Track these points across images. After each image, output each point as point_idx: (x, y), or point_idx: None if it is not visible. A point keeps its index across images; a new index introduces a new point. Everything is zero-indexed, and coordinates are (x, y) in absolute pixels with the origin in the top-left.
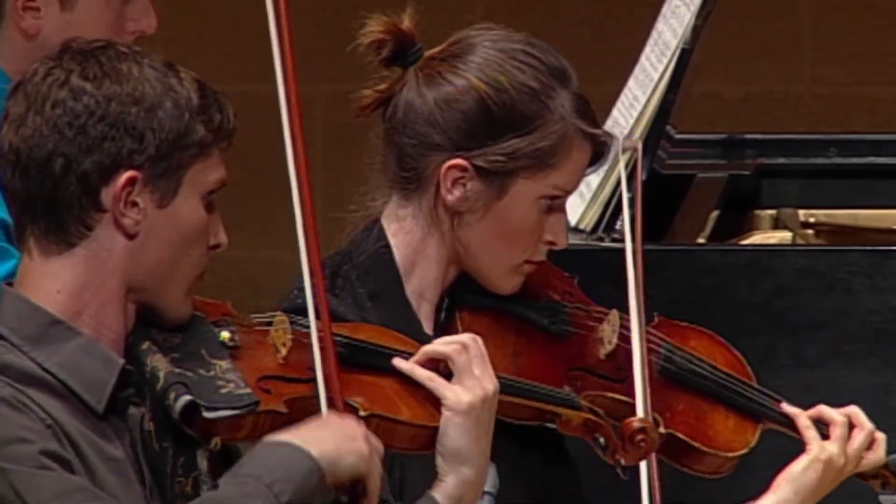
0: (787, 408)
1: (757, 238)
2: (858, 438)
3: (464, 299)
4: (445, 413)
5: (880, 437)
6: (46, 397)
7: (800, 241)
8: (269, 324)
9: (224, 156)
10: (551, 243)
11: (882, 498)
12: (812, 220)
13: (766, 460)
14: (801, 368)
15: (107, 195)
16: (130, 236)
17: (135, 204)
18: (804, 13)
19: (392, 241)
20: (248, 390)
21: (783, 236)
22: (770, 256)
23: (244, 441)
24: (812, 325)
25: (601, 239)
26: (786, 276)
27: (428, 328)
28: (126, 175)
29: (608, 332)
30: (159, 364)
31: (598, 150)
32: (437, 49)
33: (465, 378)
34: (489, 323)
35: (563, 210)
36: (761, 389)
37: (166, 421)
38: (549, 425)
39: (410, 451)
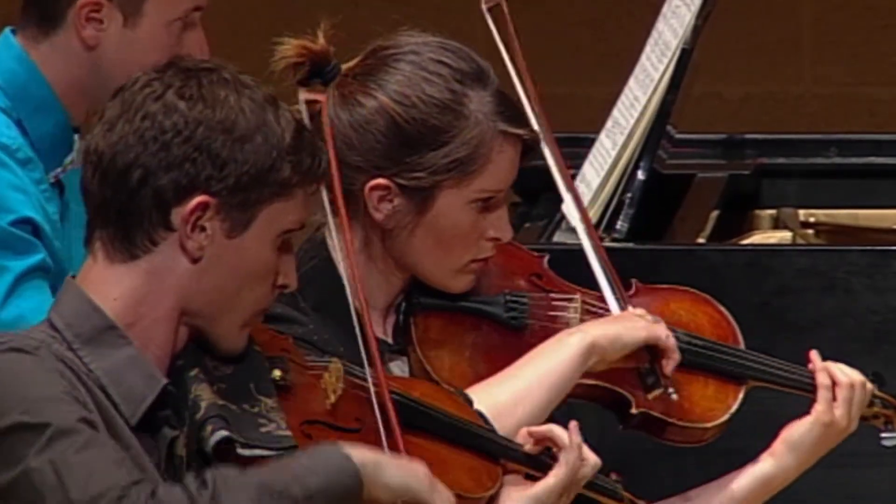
0: (815, 359)
1: (757, 238)
2: (858, 394)
3: (418, 302)
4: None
5: (858, 377)
6: (80, 388)
7: (800, 241)
8: (324, 367)
9: (310, 198)
10: (495, 239)
11: (885, 440)
12: (812, 220)
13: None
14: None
15: (177, 215)
16: (193, 260)
17: (203, 229)
18: (804, 13)
19: (333, 255)
20: (287, 433)
21: (783, 236)
22: (770, 256)
23: None
24: (812, 325)
25: (601, 239)
26: (786, 276)
27: (380, 332)
28: (199, 199)
29: (571, 317)
30: (203, 394)
31: (525, 148)
32: (353, 63)
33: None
34: (444, 324)
35: (501, 206)
36: (743, 350)
37: (199, 451)
38: None
39: None
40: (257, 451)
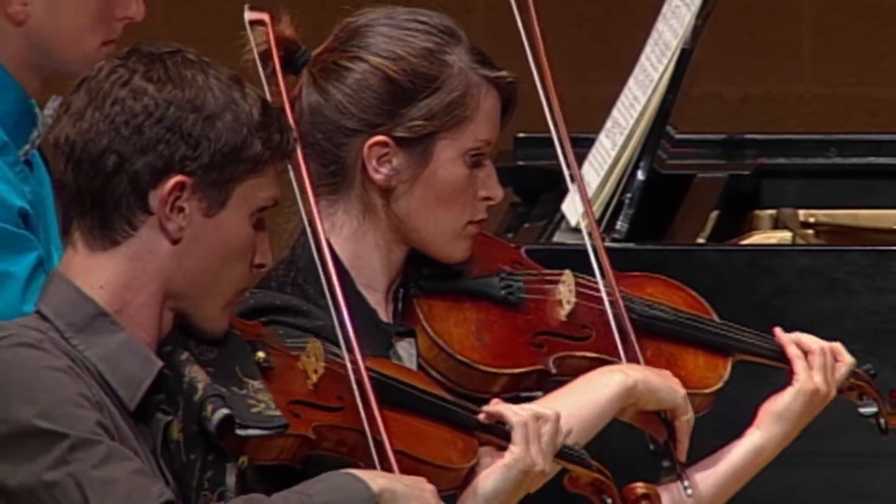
0: (780, 334)
1: (757, 238)
2: (842, 370)
3: (418, 286)
4: (505, 459)
5: (837, 346)
6: (89, 381)
7: (800, 241)
8: (302, 349)
9: (279, 176)
10: (488, 199)
11: (862, 409)
12: (812, 220)
13: None
14: None
15: (154, 197)
16: (174, 241)
17: (181, 210)
18: (804, 13)
19: (331, 239)
20: (278, 412)
21: (783, 236)
22: (770, 256)
23: (270, 462)
24: (812, 325)
25: (601, 239)
26: (786, 276)
27: (384, 317)
28: (175, 179)
29: (565, 293)
30: (198, 375)
31: (507, 96)
32: (326, 43)
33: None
34: (447, 305)
35: (489, 164)
36: (726, 324)
37: (198, 433)
38: None
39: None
40: (252, 431)
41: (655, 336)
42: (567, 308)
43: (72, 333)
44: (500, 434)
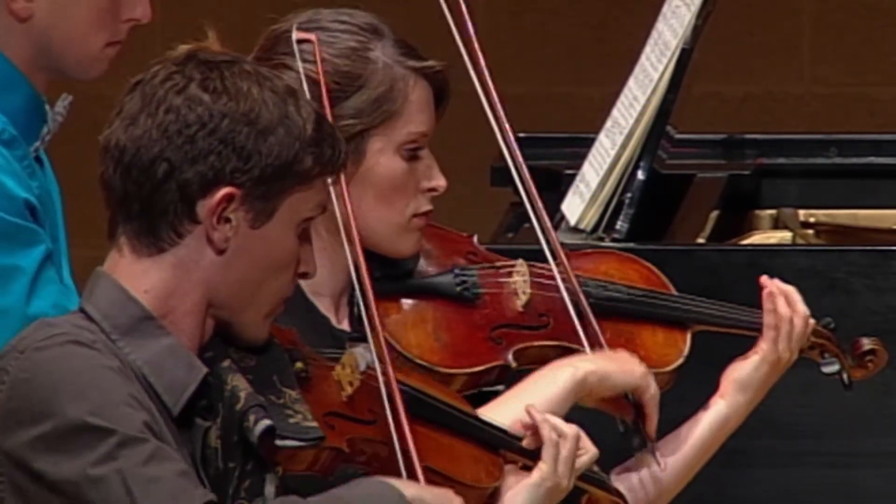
0: (767, 284)
1: (757, 238)
2: (798, 328)
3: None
4: (533, 477)
5: (802, 310)
6: (135, 385)
7: (800, 241)
8: (336, 360)
9: (326, 187)
10: (432, 190)
11: (824, 365)
12: (812, 220)
13: None
14: (801, 367)
15: (202, 207)
16: (219, 251)
17: (228, 220)
18: (804, 13)
19: None
20: (314, 423)
21: (783, 236)
22: (770, 256)
23: (302, 473)
24: None
25: (601, 239)
26: (786, 276)
27: (335, 322)
28: (224, 191)
29: (520, 283)
30: (240, 384)
31: (438, 86)
32: (252, 54)
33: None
34: (402, 306)
35: (427, 154)
36: (682, 296)
37: (239, 441)
38: None
39: None
40: (288, 443)
41: (612, 317)
42: (523, 298)
43: (118, 336)
44: (526, 454)
